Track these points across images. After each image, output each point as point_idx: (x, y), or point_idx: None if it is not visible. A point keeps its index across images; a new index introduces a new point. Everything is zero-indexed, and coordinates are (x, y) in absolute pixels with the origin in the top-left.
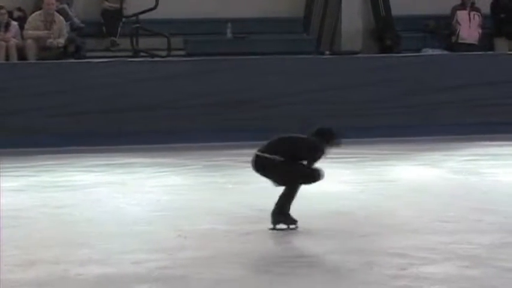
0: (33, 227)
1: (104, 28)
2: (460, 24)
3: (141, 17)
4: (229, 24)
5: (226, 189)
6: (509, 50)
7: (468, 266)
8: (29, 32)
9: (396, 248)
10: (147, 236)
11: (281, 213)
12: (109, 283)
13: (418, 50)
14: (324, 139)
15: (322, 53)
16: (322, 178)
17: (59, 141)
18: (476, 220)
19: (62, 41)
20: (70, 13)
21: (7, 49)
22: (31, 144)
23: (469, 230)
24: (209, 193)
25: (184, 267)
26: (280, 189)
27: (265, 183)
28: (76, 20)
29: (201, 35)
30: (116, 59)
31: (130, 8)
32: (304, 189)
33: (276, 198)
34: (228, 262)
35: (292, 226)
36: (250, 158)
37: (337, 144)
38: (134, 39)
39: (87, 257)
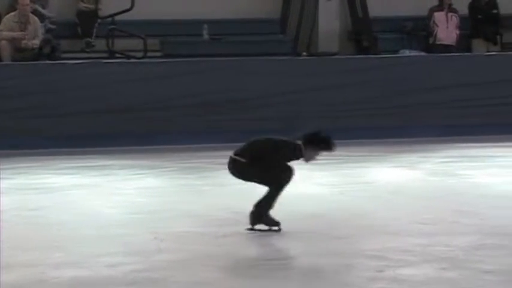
0: (9, 230)
1: (79, 29)
2: (437, 26)
3: (117, 18)
4: (205, 26)
5: (202, 192)
6: (487, 51)
7: (446, 268)
8: (3, 33)
9: (373, 250)
10: (122, 238)
11: (261, 214)
12: (84, 286)
13: (396, 52)
14: (308, 143)
15: (299, 54)
16: (287, 181)
17: (34, 143)
18: (454, 222)
19: (37, 42)
20: (45, 14)
21: None
22: (5, 146)
23: (446, 232)
24: (185, 195)
25: (160, 270)
26: (262, 190)
27: (242, 185)
28: (48, 20)
29: (177, 36)
30: (92, 60)
31: (105, 9)
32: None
33: (253, 200)
34: (204, 265)
35: (274, 228)
36: (227, 160)
37: (327, 149)
38: (110, 41)
39: (63, 260)
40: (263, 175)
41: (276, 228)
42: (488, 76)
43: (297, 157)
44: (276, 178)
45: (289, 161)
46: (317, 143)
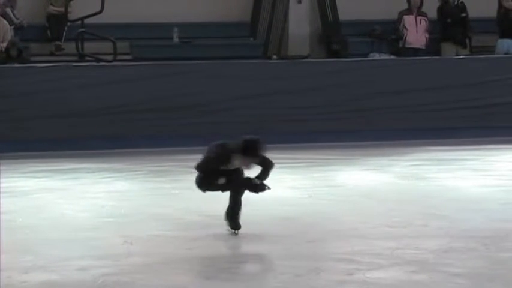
0: None
1: (48, 32)
2: (407, 29)
3: (87, 21)
4: (175, 29)
5: (172, 195)
6: (456, 55)
7: (415, 271)
8: None
9: (343, 253)
10: (92, 242)
11: (231, 217)
12: None
13: (365, 55)
14: (240, 151)
15: (270, 58)
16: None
17: (2, 147)
18: (423, 225)
19: (4, 45)
20: (13, 17)
21: None
22: None
23: (415, 235)
24: (155, 199)
25: (130, 273)
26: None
27: None
28: (20, 21)
29: (147, 40)
30: (61, 63)
31: (75, 12)
32: (251, 195)
33: (223, 202)
34: (174, 268)
35: (234, 232)
36: (196, 163)
37: (254, 158)
38: (79, 44)
39: (31, 264)
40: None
41: (235, 232)
42: (457, 79)
43: (222, 165)
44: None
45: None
46: (243, 152)
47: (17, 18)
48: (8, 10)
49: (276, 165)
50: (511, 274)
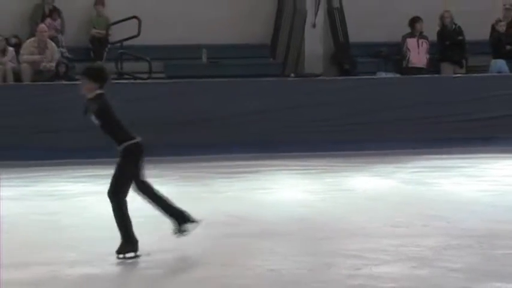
0: (26, 233)
1: (91, 53)
2: (409, 51)
3: (125, 43)
4: (204, 50)
5: (201, 198)
6: (454, 73)
7: (416, 267)
8: (24, 56)
9: (352, 250)
10: None
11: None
12: (94, 282)
13: (373, 73)
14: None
15: (288, 76)
16: None
17: (51, 155)
18: (423, 225)
19: (53, 64)
20: (61, 42)
21: (4, 72)
22: (28, 157)
23: (417, 234)
24: (186, 201)
25: (164, 267)
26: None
27: (234, 192)
28: (65, 50)
29: (179, 60)
30: None
31: (115, 35)
32: (267, 198)
33: (247, 204)
34: (202, 263)
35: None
36: (222, 170)
37: None
38: (119, 63)
39: (75, 259)
40: None
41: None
42: (454, 95)
43: None
44: None
45: None
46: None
47: (63, 47)
48: (60, 36)
49: (292, 171)
50: (503, 269)
